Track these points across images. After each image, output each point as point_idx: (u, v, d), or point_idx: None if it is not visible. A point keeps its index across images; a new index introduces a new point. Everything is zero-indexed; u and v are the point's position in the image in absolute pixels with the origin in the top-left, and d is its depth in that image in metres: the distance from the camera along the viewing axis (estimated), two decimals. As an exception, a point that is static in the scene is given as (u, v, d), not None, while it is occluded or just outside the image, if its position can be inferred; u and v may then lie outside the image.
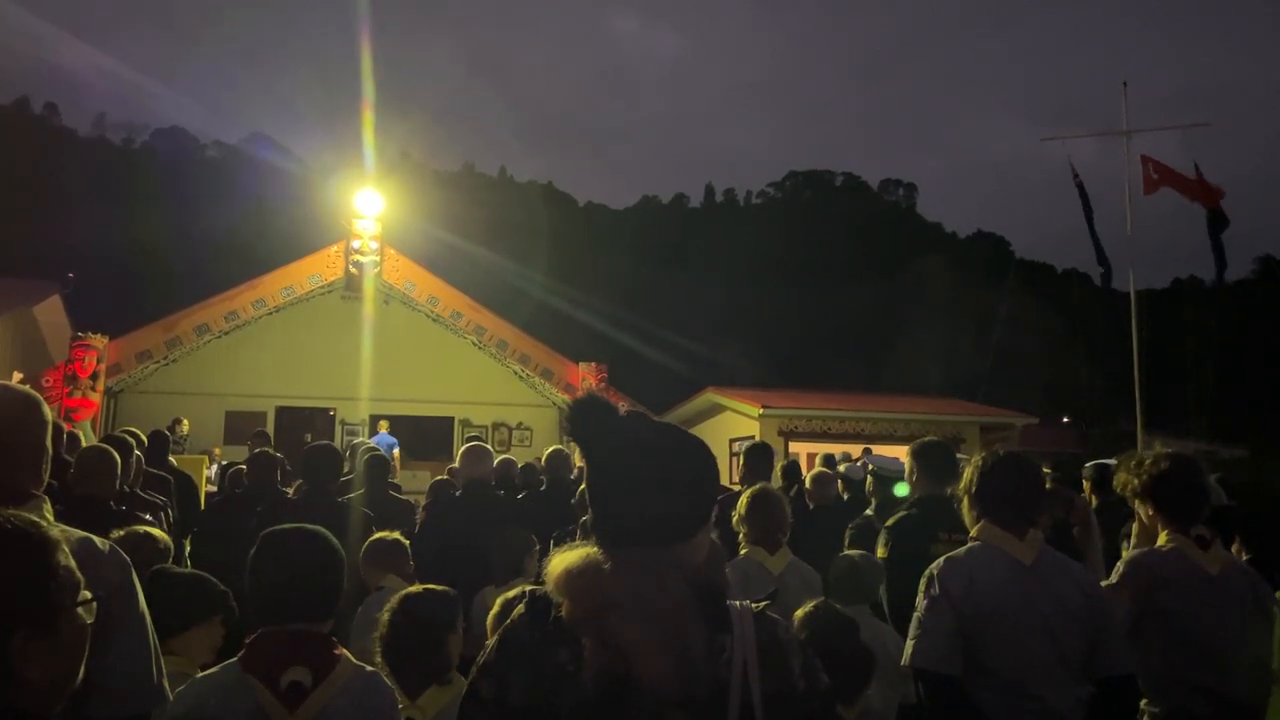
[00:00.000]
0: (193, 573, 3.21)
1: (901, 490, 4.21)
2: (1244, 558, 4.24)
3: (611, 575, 1.49)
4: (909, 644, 2.85)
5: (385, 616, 2.92)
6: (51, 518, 2.05)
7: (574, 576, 1.50)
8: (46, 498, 2.09)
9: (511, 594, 2.94)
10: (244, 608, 2.85)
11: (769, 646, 1.53)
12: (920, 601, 2.88)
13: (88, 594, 1.29)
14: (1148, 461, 3.46)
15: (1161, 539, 3.31)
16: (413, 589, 3.06)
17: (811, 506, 6.56)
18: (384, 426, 16.98)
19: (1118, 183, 16.69)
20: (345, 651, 2.35)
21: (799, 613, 3.37)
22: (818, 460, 10.82)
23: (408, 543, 4.33)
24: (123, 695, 1.97)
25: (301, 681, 2.20)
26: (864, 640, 3.41)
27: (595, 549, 1.54)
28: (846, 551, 4.43)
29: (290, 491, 6.39)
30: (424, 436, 19.97)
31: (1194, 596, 3.16)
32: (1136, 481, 3.43)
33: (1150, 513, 3.40)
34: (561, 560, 1.53)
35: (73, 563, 1.27)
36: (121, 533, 3.49)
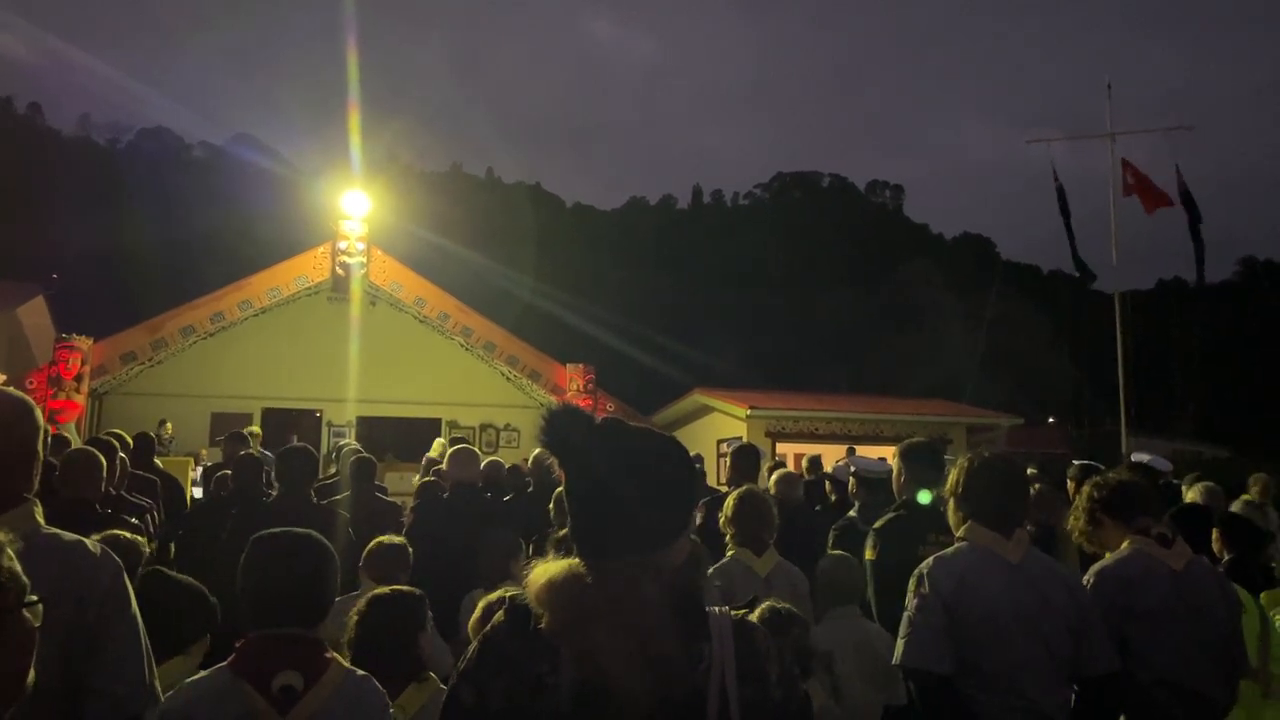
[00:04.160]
0: (187, 582, 3.21)
1: (925, 498, 4.20)
2: (1225, 557, 4.30)
3: (591, 587, 1.49)
4: (899, 643, 2.86)
5: (353, 619, 2.92)
6: (42, 521, 2.06)
7: (554, 588, 1.49)
8: (37, 501, 2.10)
9: (493, 597, 2.96)
10: (230, 611, 2.86)
11: (747, 654, 1.52)
12: (910, 601, 2.90)
13: (34, 596, 1.29)
14: (1082, 495, 3.58)
15: (1124, 545, 3.36)
16: (379, 590, 3.06)
17: (834, 498, 6.59)
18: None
19: (1102, 185, 16.84)
20: (336, 655, 2.36)
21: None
22: (804, 462, 10.85)
23: (412, 549, 4.33)
24: (115, 697, 1.98)
25: (293, 685, 2.20)
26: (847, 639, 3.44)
27: (576, 560, 1.53)
28: (831, 553, 4.44)
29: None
30: (411, 438, 19.92)
31: (1163, 592, 3.20)
32: (1083, 519, 3.53)
33: (1107, 532, 3.46)
34: (543, 571, 1.53)
35: (17, 565, 1.26)
36: (98, 537, 3.48)
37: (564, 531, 4.07)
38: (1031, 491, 4.57)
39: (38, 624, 1.27)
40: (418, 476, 11.98)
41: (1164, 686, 3.13)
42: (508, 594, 1.71)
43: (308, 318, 19.19)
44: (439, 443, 15.52)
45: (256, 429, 13.66)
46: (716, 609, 1.57)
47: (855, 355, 59.33)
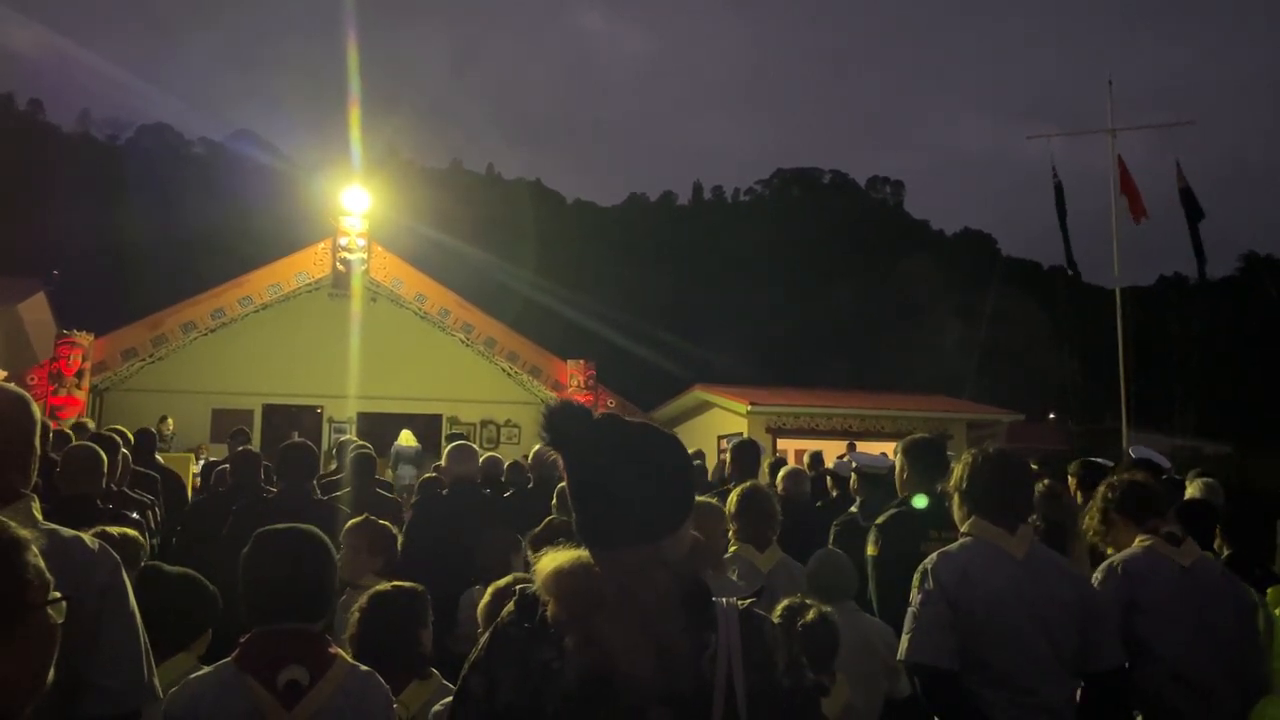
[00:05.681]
0: (186, 577, 3.20)
1: (920, 502, 4.18)
2: (1225, 553, 4.29)
3: (597, 575, 1.51)
4: (904, 639, 2.85)
5: (355, 616, 2.91)
6: (40, 517, 2.05)
7: (561, 576, 1.51)
8: (35, 496, 2.09)
9: (503, 583, 2.95)
10: (231, 606, 2.86)
11: (753, 643, 1.53)
12: (915, 597, 2.89)
13: (57, 594, 1.28)
14: (1097, 495, 3.60)
15: (1136, 543, 3.37)
16: (381, 587, 3.06)
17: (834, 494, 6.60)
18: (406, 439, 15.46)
19: (1103, 180, 16.82)
20: (340, 651, 2.36)
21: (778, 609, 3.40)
22: (805, 457, 10.85)
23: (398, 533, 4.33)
24: (113, 693, 1.96)
25: (299, 680, 2.21)
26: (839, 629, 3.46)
27: (582, 550, 1.55)
28: (820, 551, 4.42)
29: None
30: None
31: (1169, 588, 3.22)
32: (1097, 518, 3.55)
33: (1119, 531, 3.48)
34: (551, 560, 1.55)
35: (41, 562, 1.26)
36: (91, 533, 3.47)
37: (545, 525, 4.06)
38: (1039, 488, 4.57)
39: (61, 621, 1.27)
40: (388, 466, 11.94)
41: (1171, 681, 3.13)
42: (518, 582, 1.71)
43: (308, 314, 19.19)
44: (406, 433, 15.54)
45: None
46: (723, 599, 1.58)
47: (855, 351, 59.37)
